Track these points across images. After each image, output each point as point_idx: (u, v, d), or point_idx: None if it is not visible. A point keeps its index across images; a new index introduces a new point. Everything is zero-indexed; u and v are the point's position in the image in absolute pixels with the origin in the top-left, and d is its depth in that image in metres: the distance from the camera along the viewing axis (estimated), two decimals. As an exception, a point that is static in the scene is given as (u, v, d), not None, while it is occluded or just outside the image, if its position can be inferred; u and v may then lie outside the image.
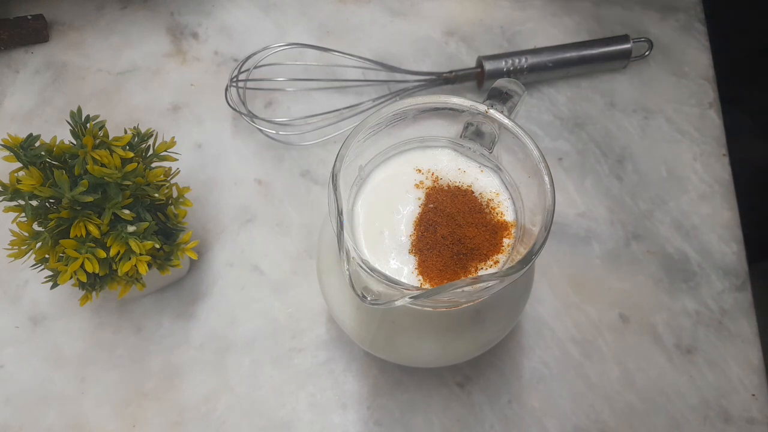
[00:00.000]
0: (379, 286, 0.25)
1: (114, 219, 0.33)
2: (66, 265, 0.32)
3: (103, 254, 0.33)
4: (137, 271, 0.34)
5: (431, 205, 0.31)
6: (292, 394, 0.40)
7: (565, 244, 0.43)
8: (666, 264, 0.43)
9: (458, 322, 0.32)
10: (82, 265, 0.32)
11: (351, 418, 0.39)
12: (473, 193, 0.31)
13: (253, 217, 0.44)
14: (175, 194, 0.38)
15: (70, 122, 0.34)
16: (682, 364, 0.40)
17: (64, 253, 0.32)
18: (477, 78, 0.48)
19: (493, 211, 0.31)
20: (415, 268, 0.29)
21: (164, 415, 0.39)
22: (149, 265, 0.34)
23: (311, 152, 0.46)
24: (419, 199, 0.31)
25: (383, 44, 0.50)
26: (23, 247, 0.33)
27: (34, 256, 0.34)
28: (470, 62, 0.50)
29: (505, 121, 0.29)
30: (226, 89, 0.46)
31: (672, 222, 0.44)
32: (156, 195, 0.35)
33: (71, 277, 0.33)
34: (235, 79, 0.46)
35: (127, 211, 0.33)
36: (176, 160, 0.37)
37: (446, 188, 0.31)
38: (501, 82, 0.31)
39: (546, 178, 0.27)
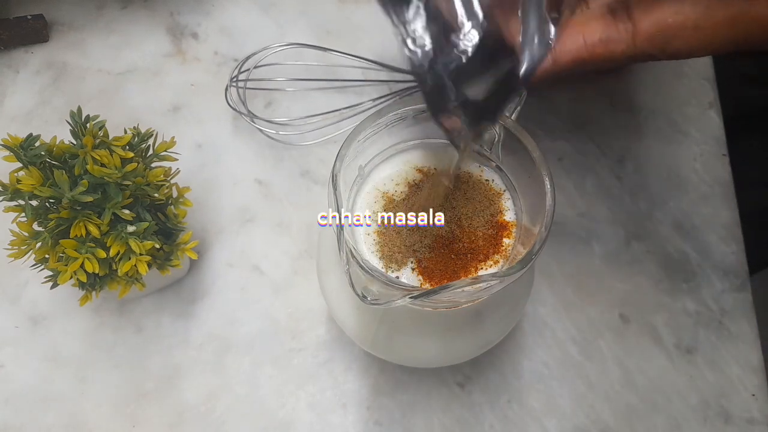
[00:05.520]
0: (379, 286, 0.25)
1: (114, 219, 0.33)
2: (66, 265, 0.32)
3: (103, 254, 0.33)
4: (137, 271, 0.34)
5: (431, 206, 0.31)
6: (292, 394, 0.40)
7: (565, 244, 0.43)
8: (666, 264, 0.43)
9: (458, 322, 0.32)
10: (82, 265, 0.32)
11: (351, 418, 0.39)
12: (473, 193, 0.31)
13: (253, 217, 0.44)
14: (174, 194, 0.38)
15: (70, 122, 0.34)
16: (682, 364, 0.40)
17: (64, 253, 0.32)
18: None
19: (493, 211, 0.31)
20: (415, 268, 0.29)
21: (164, 415, 0.39)
22: (149, 265, 0.34)
23: (311, 152, 0.46)
24: (419, 198, 0.31)
25: (383, 44, 0.50)
26: (23, 247, 0.33)
27: (34, 256, 0.33)
28: (470, 62, 0.49)
29: (505, 120, 0.29)
30: (226, 89, 0.46)
31: (672, 222, 0.44)
32: (156, 195, 0.35)
33: (71, 277, 0.33)
34: (235, 79, 0.46)
35: (127, 211, 0.33)
36: (176, 160, 0.37)
37: (446, 188, 0.31)
38: (501, 82, 0.31)
39: (546, 178, 0.27)
